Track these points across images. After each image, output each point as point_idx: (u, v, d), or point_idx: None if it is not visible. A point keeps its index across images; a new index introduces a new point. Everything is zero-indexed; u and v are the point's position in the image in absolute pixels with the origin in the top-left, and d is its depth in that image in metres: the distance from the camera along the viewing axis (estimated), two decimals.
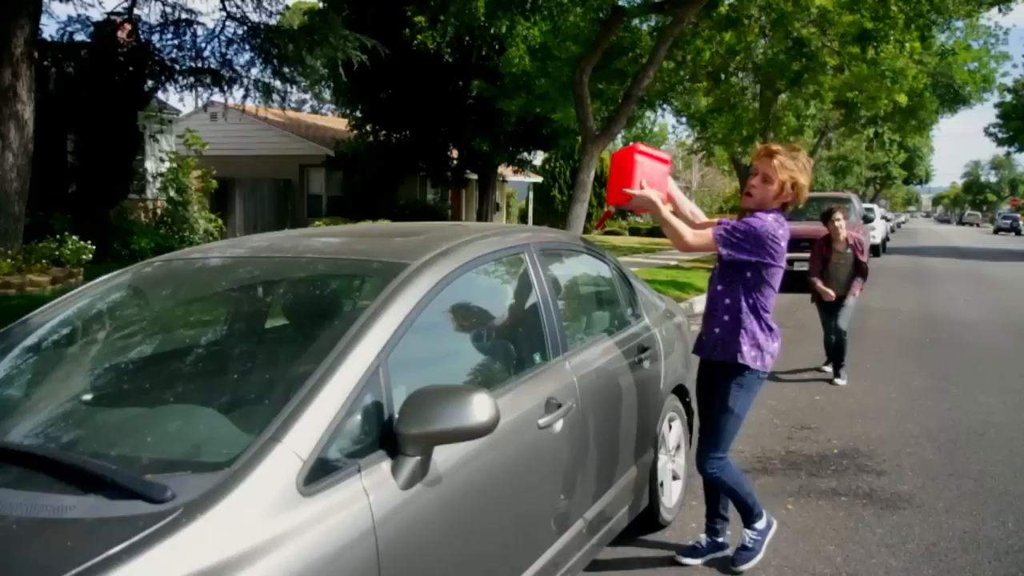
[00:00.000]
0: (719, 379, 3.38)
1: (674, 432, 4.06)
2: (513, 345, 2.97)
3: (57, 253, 11.28)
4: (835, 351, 7.33)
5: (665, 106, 20.12)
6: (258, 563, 1.59)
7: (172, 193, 18.36)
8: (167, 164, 18.77)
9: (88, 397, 2.18)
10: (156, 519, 1.56)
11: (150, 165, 19.27)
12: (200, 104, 17.52)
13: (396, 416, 2.00)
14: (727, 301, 3.33)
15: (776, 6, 10.77)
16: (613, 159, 3.60)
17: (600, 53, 11.89)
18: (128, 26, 15.38)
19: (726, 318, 3.33)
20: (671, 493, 3.99)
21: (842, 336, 7.19)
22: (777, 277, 3.33)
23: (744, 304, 3.30)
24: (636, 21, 13.62)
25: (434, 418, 1.96)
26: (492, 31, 17.45)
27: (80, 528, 1.56)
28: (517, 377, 2.68)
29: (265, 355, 2.32)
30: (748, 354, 3.29)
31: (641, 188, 3.39)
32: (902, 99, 15.55)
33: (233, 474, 1.67)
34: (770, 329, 3.36)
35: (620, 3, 12.88)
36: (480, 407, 2.00)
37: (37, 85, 10.94)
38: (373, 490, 1.88)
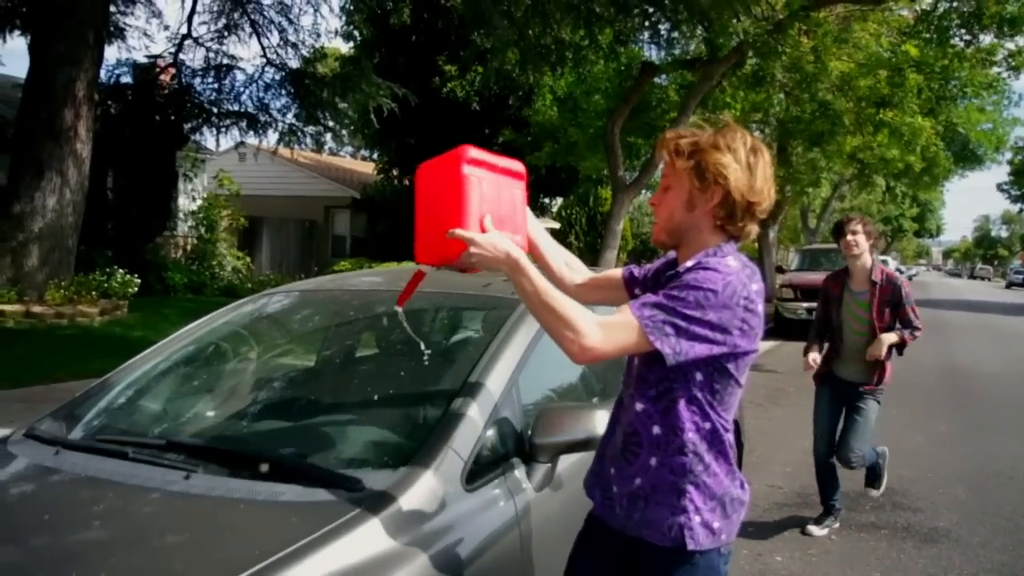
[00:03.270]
0: (643, 569, 1.88)
1: None
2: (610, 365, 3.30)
3: (105, 285, 11.70)
4: (826, 485, 4.62)
5: None
6: (438, 543, 1.91)
7: (202, 231, 18.86)
8: (198, 202, 19.33)
9: (275, 408, 2.53)
10: (357, 504, 1.89)
11: (182, 202, 19.84)
12: (232, 145, 18.14)
13: (528, 429, 2.33)
14: (656, 430, 1.81)
15: (800, 67, 11.27)
16: (419, 174, 2.01)
17: (631, 107, 12.39)
18: (172, 69, 16.03)
19: (653, 462, 1.81)
20: None
21: (850, 463, 4.40)
22: (746, 364, 1.83)
23: (693, 433, 1.79)
24: (664, 78, 14.12)
25: (562, 431, 2.29)
26: (520, 81, 18.02)
27: (297, 508, 1.89)
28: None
29: (416, 375, 2.65)
30: (701, 531, 1.80)
31: (482, 229, 1.81)
32: (916, 164, 15.99)
33: (412, 470, 2.01)
34: (727, 462, 1.84)
35: (649, 59, 13.49)
36: (600, 422, 2.32)
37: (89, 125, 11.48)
38: (515, 490, 2.21)
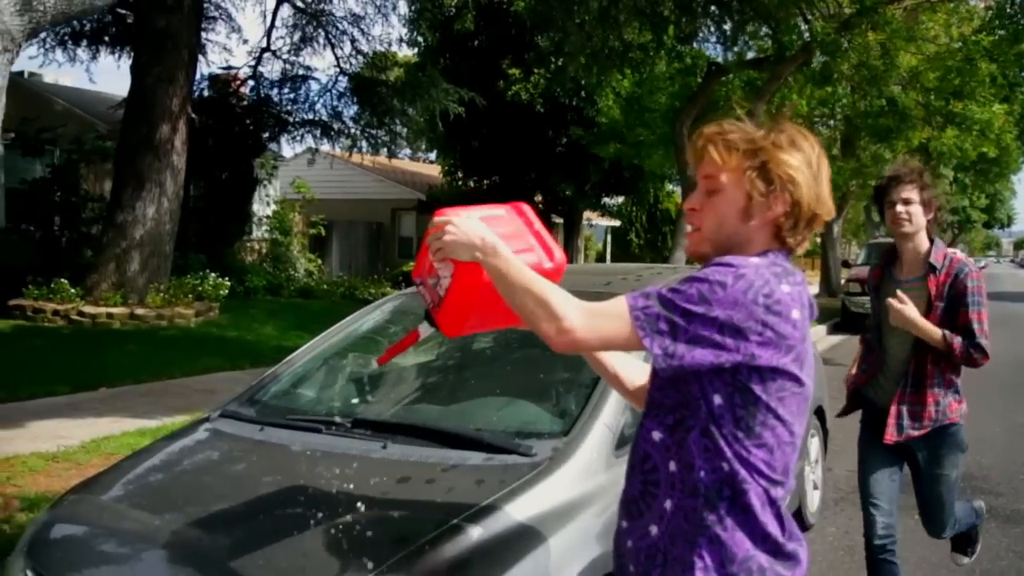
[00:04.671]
0: None
1: (814, 446, 4.68)
2: None
3: (199, 288, 12.39)
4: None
5: None
6: (597, 502, 2.30)
7: (277, 235, 19.61)
8: (272, 207, 20.10)
9: (438, 389, 2.97)
10: (534, 467, 2.28)
11: (256, 207, 20.65)
12: (303, 150, 18.85)
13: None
14: (672, 466, 1.51)
15: (868, 63, 11.38)
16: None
17: (699, 106, 12.64)
18: (251, 81, 16.79)
19: (669, 505, 1.51)
20: (813, 499, 4.60)
21: (940, 536, 3.32)
22: (782, 388, 1.46)
23: (705, 474, 1.47)
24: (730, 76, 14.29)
25: None
26: (583, 83, 18.32)
27: (484, 471, 2.29)
28: None
29: (561, 360, 3.05)
30: None
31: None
32: (991, 151, 15.87)
33: (573, 438, 2.40)
34: (754, 517, 1.46)
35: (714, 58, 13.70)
36: None
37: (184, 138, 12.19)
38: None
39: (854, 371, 3.30)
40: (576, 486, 2.28)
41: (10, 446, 5.31)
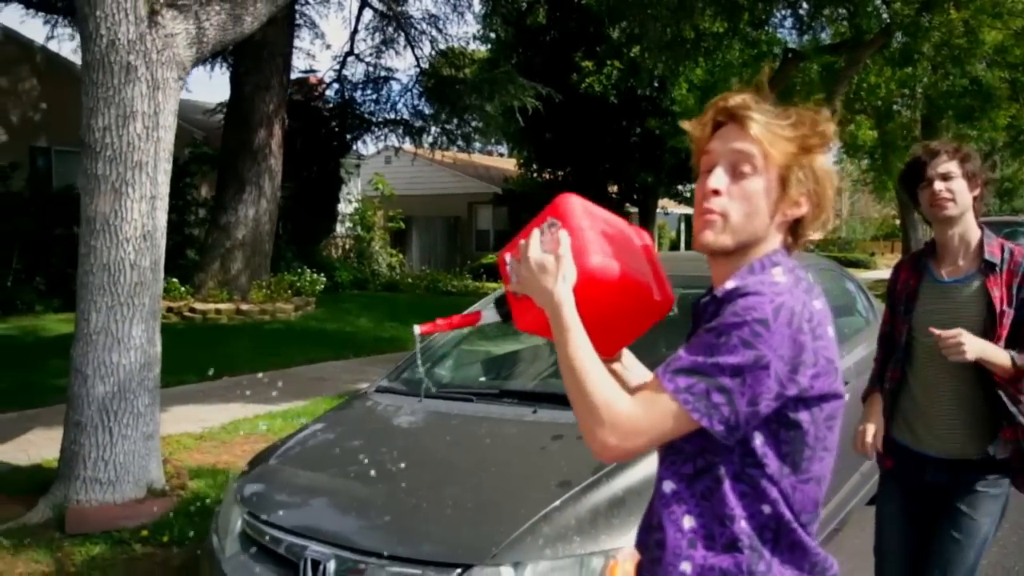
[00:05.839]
0: None
1: None
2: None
3: (297, 284, 13.09)
4: None
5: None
6: None
7: (360, 231, 20.33)
8: (354, 204, 20.84)
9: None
10: None
11: (340, 205, 21.43)
12: (381, 148, 19.50)
13: None
14: (688, 523, 1.32)
15: (951, 42, 11.29)
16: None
17: (776, 92, 12.67)
18: (335, 84, 17.48)
19: (687, 569, 1.30)
20: None
21: None
22: (827, 416, 1.30)
23: (746, 522, 1.29)
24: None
25: None
26: (655, 72, 18.47)
27: None
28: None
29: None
30: None
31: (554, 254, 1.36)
32: None
33: None
34: (800, 559, 1.31)
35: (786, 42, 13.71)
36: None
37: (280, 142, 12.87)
38: None
39: (873, 430, 2.51)
40: None
41: (162, 427, 5.91)
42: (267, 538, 2.54)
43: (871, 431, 2.50)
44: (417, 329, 1.54)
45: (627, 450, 1.25)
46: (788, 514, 1.27)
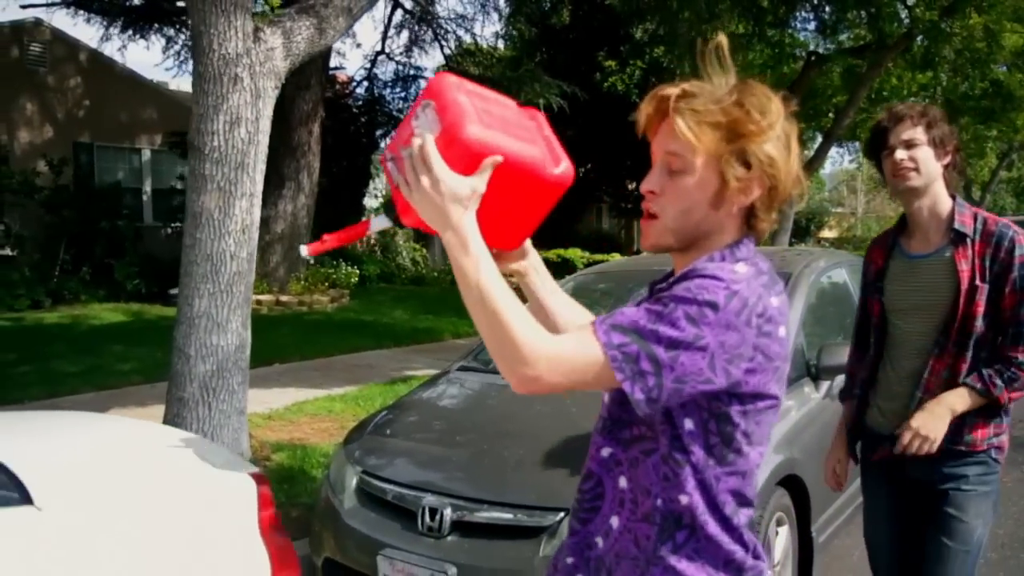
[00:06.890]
0: None
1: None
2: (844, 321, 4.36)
3: (333, 276, 13.55)
4: None
5: (846, 145, 20.92)
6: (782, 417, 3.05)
7: None
8: (378, 199, 21.31)
9: None
10: None
11: (366, 200, 21.90)
12: None
13: (812, 358, 3.43)
14: (623, 482, 1.35)
15: (971, 47, 11.60)
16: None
17: (799, 95, 13.06)
18: (364, 82, 17.96)
19: (616, 523, 1.35)
20: None
21: None
22: (761, 416, 1.30)
23: (662, 503, 1.31)
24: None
25: (837, 359, 3.38)
26: (680, 73, 18.81)
27: None
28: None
29: None
30: None
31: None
32: None
33: None
34: (744, 544, 1.33)
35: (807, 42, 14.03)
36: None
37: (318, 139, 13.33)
38: (812, 396, 3.34)
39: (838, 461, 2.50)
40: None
41: None
42: (387, 493, 2.97)
43: (836, 466, 2.49)
44: (304, 250, 1.48)
45: (546, 385, 1.20)
46: (706, 504, 1.28)
